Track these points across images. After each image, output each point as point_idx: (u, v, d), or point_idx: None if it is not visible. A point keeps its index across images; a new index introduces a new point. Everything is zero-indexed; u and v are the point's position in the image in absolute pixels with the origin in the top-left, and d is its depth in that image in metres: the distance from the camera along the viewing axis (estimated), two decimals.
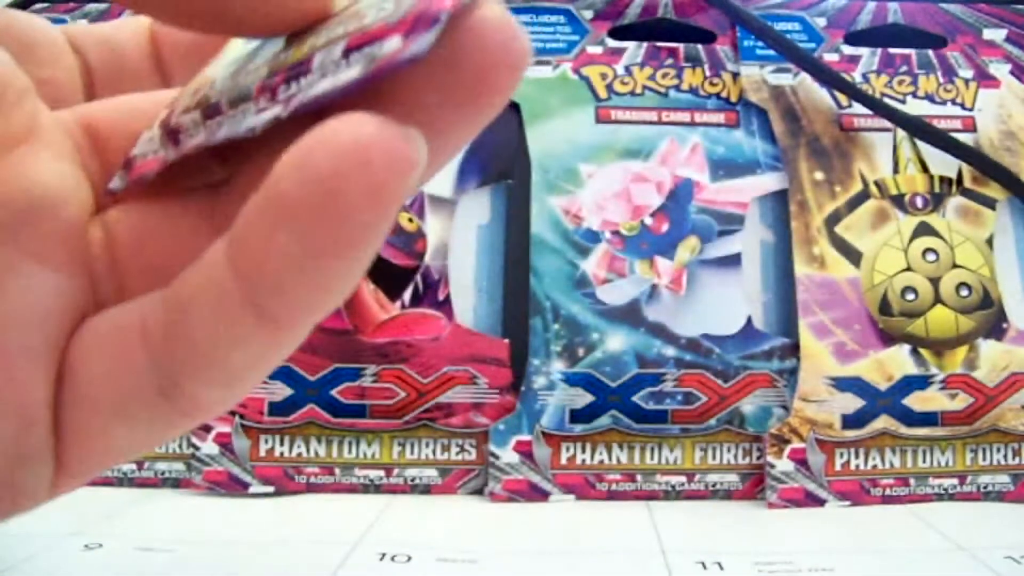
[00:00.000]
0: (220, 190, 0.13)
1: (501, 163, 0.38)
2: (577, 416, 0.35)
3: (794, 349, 0.35)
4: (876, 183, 0.37)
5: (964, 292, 0.36)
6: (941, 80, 0.39)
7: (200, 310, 0.11)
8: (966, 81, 0.39)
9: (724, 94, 0.39)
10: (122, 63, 0.17)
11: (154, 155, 0.13)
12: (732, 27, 0.40)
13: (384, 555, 0.27)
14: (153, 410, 0.12)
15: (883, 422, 0.35)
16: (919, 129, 0.37)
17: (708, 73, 0.39)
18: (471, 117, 0.11)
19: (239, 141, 0.12)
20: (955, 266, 0.36)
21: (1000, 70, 0.40)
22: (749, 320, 0.36)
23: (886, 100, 0.38)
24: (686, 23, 0.40)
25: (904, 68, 0.40)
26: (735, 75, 0.39)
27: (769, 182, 0.38)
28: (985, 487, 0.34)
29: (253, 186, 0.10)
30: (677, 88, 0.39)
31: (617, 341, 0.35)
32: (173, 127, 0.13)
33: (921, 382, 0.35)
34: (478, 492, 0.35)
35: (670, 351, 0.35)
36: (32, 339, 0.12)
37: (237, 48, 0.13)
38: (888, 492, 0.34)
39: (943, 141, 0.37)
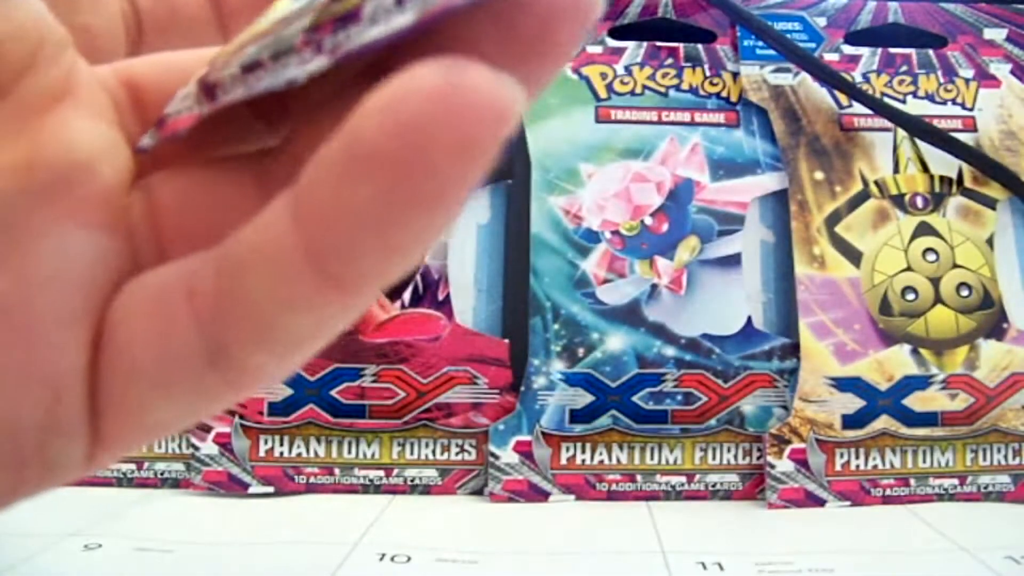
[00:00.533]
0: (271, 155, 0.12)
1: (501, 163, 0.38)
2: (577, 416, 0.35)
3: (794, 349, 0.35)
4: (876, 183, 0.37)
5: (964, 292, 0.36)
6: (941, 80, 0.39)
7: (257, 270, 0.10)
8: (966, 81, 0.39)
9: (724, 94, 0.39)
10: (175, 9, 0.15)
11: (188, 112, 0.12)
12: (732, 26, 0.40)
13: (384, 555, 0.27)
14: (198, 380, 0.11)
15: (883, 422, 0.34)
16: (919, 129, 0.37)
17: (708, 73, 0.39)
18: (534, 73, 0.10)
19: (290, 101, 0.11)
20: (955, 266, 0.36)
21: (1000, 70, 0.40)
22: (749, 320, 0.36)
23: (886, 100, 0.38)
24: (686, 23, 0.40)
25: (904, 68, 0.39)
26: (735, 75, 0.39)
27: (769, 182, 0.38)
28: (985, 487, 0.34)
29: (311, 149, 0.10)
30: (677, 88, 0.39)
31: (617, 341, 0.35)
32: (211, 83, 0.12)
33: (921, 382, 0.35)
34: (478, 492, 0.35)
35: (670, 351, 0.35)
36: (66, 303, 0.11)
37: (284, 5, 0.12)
38: (888, 492, 0.34)
39: (943, 141, 0.37)
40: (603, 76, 0.39)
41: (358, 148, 0.09)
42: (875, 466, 0.34)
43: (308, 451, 0.35)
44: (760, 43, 0.39)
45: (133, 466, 0.36)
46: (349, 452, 0.35)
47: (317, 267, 0.10)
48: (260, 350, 0.11)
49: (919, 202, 0.37)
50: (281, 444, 0.35)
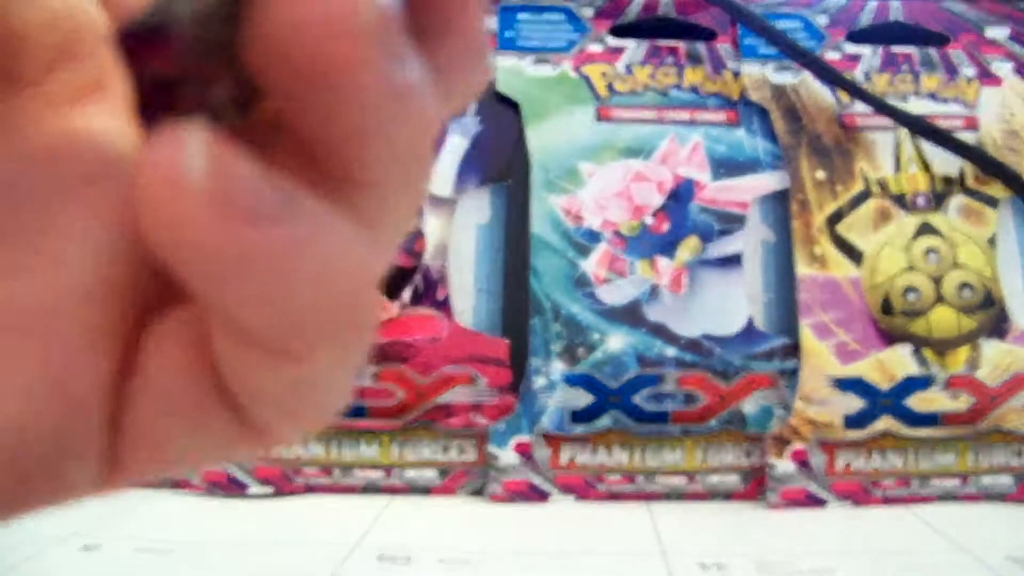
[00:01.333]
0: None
1: (501, 163, 0.38)
2: (577, 417, 0.35)
3: (795, 349, 0.35)
4: (878, 182, 0.37)
5: (966, 291, 0.36)
6: (943, 79, 0.39)
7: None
8: (968, 79, 0.39)
9: (725, 93, 0.39)
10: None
11: None
12: (733, 25, 0.40)
13: (384, 555, 0.27)
14: (223, 424, 0.11)
15: (885, 423, 0.34)
16: (921, 128, 0.37)
17: (709, 72, 0.39)
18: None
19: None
20: (957, 265, 0.36)
21: (1002, 68, 0.39)
22: (750, 320, 0.36)
23: (888, 99, 0.38)
24: (687, 21, 0.40)
25: (906, 66, 0.39)
26: (736, 73, 0.39)
27: (770, 181, 0.37)
28: (987, 488, 0.34)
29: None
30: (678, 87, 0.39)
31: (617, 341, 0.35)
32: None
33: (923, 382, 0.35)
34: (478, 493, 0.35)
35: (670, 351, 0.35)
36: (93, 315, 0.10)
37: None
38: (890, 493, 0.34)
39: (945, 140, 0.37)
40: (604, 75, 0.39)
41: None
42: (876, 467, 0.34)
43: (308, 451, 0.35)
44: (761, 42, 0.39)
45: None
46: (349, 452, 0.35)
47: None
48: (276, 414, 0.10)
49: (920, 201, 0.37)
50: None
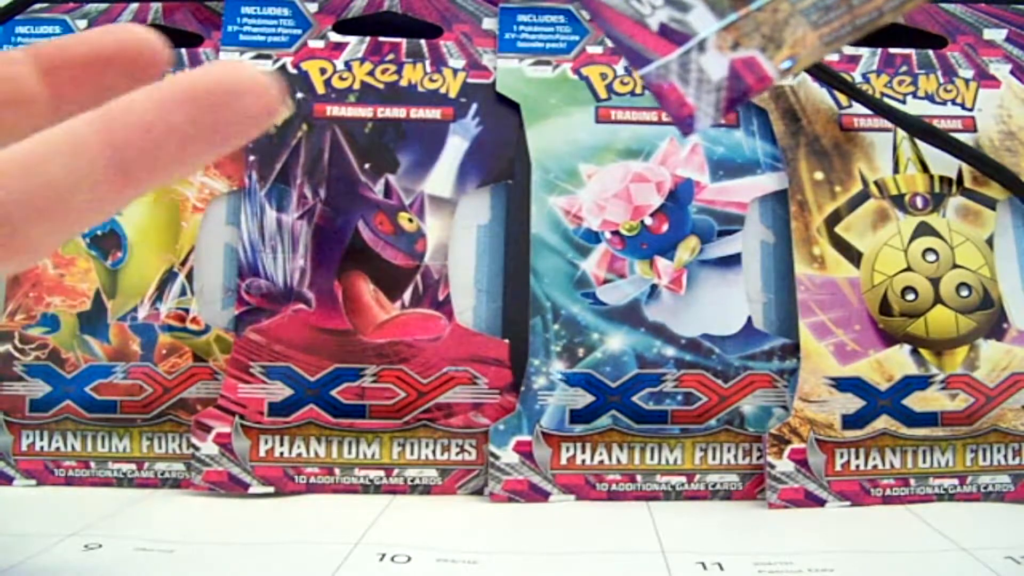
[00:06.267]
0: None
1: (501, 163, 0.38)
2: (577, 416, 0.35)
3: (794, 349, 0.35)
4: (876, 183, 0.37)
5: (964, 292, 0.36)
6: (941, 80, 0.39)
7: (61, 159, 0.14)
8: (966, 81, 0.39)
9: None
10: (17, 87, 0.19)
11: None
12: None
13: (384, 555, 0.27)
14: None
15: (883, 422, 0.34)
16: (919, 129, 0.37)
17: None
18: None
19: None
20: (955, 266, 0.36)
21: (1000, 70, 0.40)
22: (749, 320, 0.36)
23: (886, 100, 0.38)
24: None
25: (904, 68, 0.39)
26: None
27: (769, 182, 0.38)
28: (985, 487, 0.34)
29: None
30: None
31: (617, 341, 0.35)
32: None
33: (921, 382, 0.35)
34: (478, 492, 0.35)
35: (670, 351, 0.35)
36: None
37: None
38: (888, 492, 0.34)
39: (943, 141, 0.37)
40: (603, 76, 0.39)
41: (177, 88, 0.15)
42: (875, 466, 0.34)
43: (308, 451, 0.35)
44: None
45: (133, 466, 0.36)
46: (349, 452, 0.35)
47: (119, 166, 0.15)
48: (42, 221, 0.14)
49: (919, 202, 0.37)
50: (281, 444, 0.35)
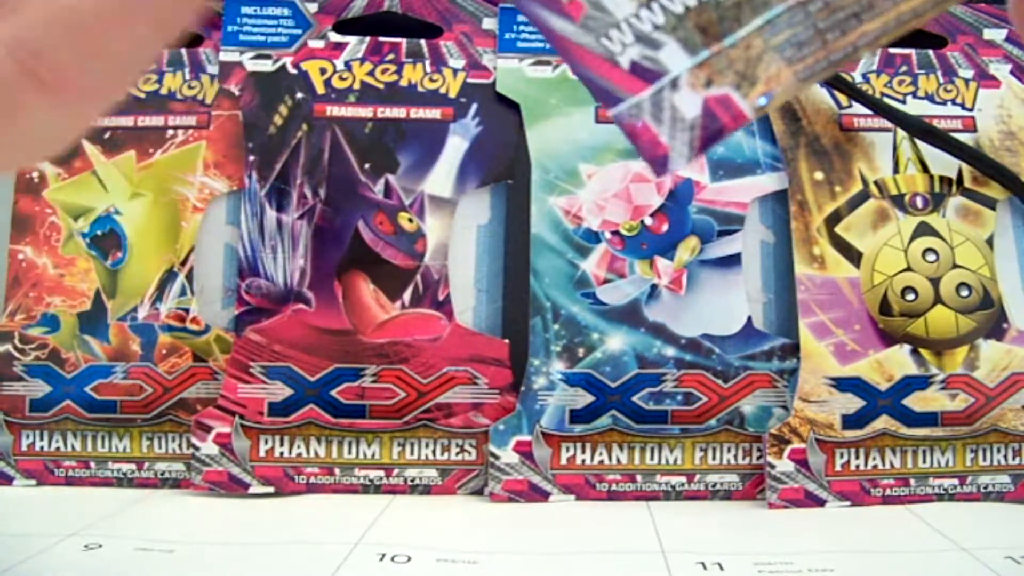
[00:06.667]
0: None
1: (501, 163, 0.38)
2: (577, 416, 0.35)
3: (794, 349, 0.35)
4: (876, 183, 0.37)
5: (964, 292, 0.36)
6: (941, 80, 0.39)
7: None
8: (966, 81, 0.39)
9: None
10: None
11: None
12: None
13: (384, 555, 0.27)
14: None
15: (883, 422, 0.34)
16: (919, 129, 0.37)
17: None
18: None
19: None
20: (955, 266, 0.36)
21: (1000, 70, 0.40)
22: (749, 320, 0.36)
23: (886, 100, 0.38)
24: None
25: (904, 68, 0.39)
26: None
27: (769, 182, 0.38)
28: (985, 487, 0.34)
29: None
30: None
31: (617, 341, 0.35)
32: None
33: (921, 382, 0.35)
34: (478, 492, 0.35)
35: (670, 351, 0.35)
36: None
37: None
38: (888, 492, 0.34)
39: (943, 141, 0.37)
40: None
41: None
42: (875, 466, 0.34)
43: (308, 451, 0.35)
44: None
45: (133, 466, 0.36)
46: (349, 452, 0.35)
47: (33, 77, 0.14)
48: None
49: (919, 202, 0.37)
50: (281, 444, 0.35)
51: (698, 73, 0.12)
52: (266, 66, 0.38)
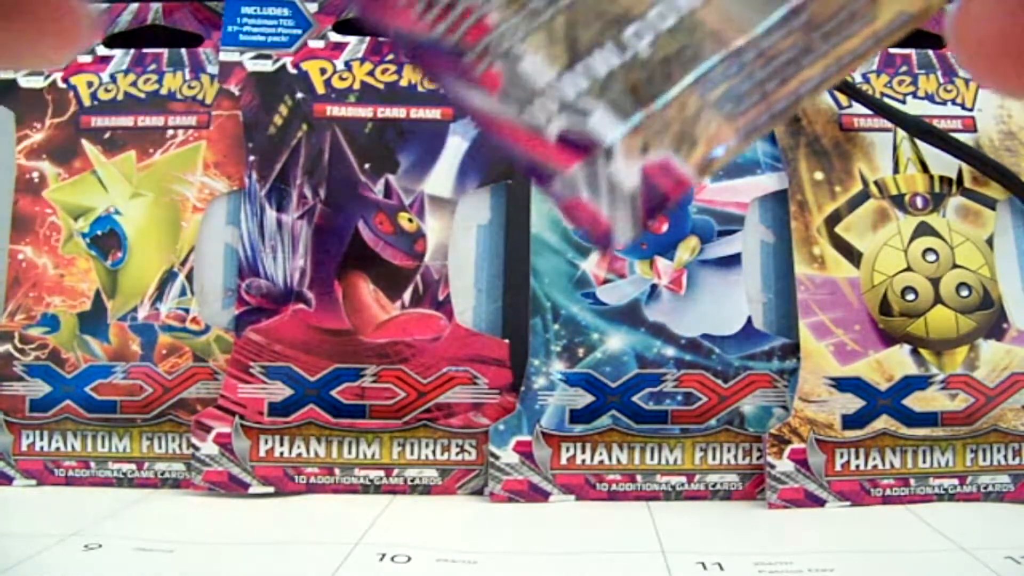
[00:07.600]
0: None
1: (501, 163, 0.38)
2: (577, 416, 0.35)
3: (794, 349, 0.35)
4: (876, 183, 0.37)
5: (964, 292, 0.36)
6: (941, 80, 0.39)
7: None
8: (966, 81, 0.39)
9: None
10: None
11: None
12: None
13: (384, 555, 0.27)
14: None
15: (883, 422, 0.34)
16: (919, 129, 0.37)
17: None
18: None
19: None
20: (955, 266, 0.36)
21: None
22: (749, 320, 0.36)
23: (886, 100, 0.38)
24: None
25: (904, 68, 0.39)
26: None
27: (769, 182, 0.38)
28: (985, 487, 0.34)
29: None
30: None
31: (617, 341, 0.35)
32: None
33: (921, 382, 0.35)
34: (478, 492, 0.35)
35: (670, 351, 0.35)
36: None
37: None
38: (888, 492, 0.34)
39: (943, 141, 0.37)
40: None
41: None
42: (875, 466, 0.34)
43: (308, 451, 0.35)
44: None
45: (133, 466, 0.36)
46: (349, 452, 0.35)
47: None
48: None
49: (919, 202, 0.37)
50: (281, 444, 0.35)
51: (633, 139, 0.11)
52: (266, 66, 0.38)
